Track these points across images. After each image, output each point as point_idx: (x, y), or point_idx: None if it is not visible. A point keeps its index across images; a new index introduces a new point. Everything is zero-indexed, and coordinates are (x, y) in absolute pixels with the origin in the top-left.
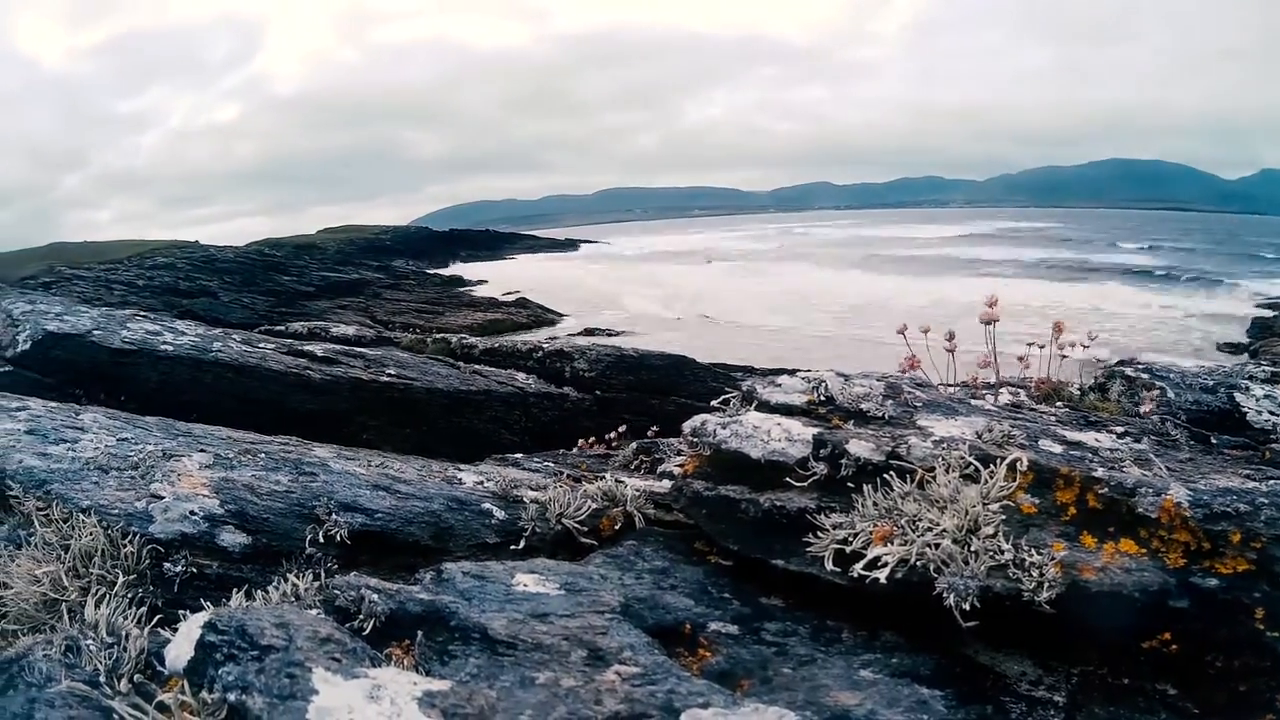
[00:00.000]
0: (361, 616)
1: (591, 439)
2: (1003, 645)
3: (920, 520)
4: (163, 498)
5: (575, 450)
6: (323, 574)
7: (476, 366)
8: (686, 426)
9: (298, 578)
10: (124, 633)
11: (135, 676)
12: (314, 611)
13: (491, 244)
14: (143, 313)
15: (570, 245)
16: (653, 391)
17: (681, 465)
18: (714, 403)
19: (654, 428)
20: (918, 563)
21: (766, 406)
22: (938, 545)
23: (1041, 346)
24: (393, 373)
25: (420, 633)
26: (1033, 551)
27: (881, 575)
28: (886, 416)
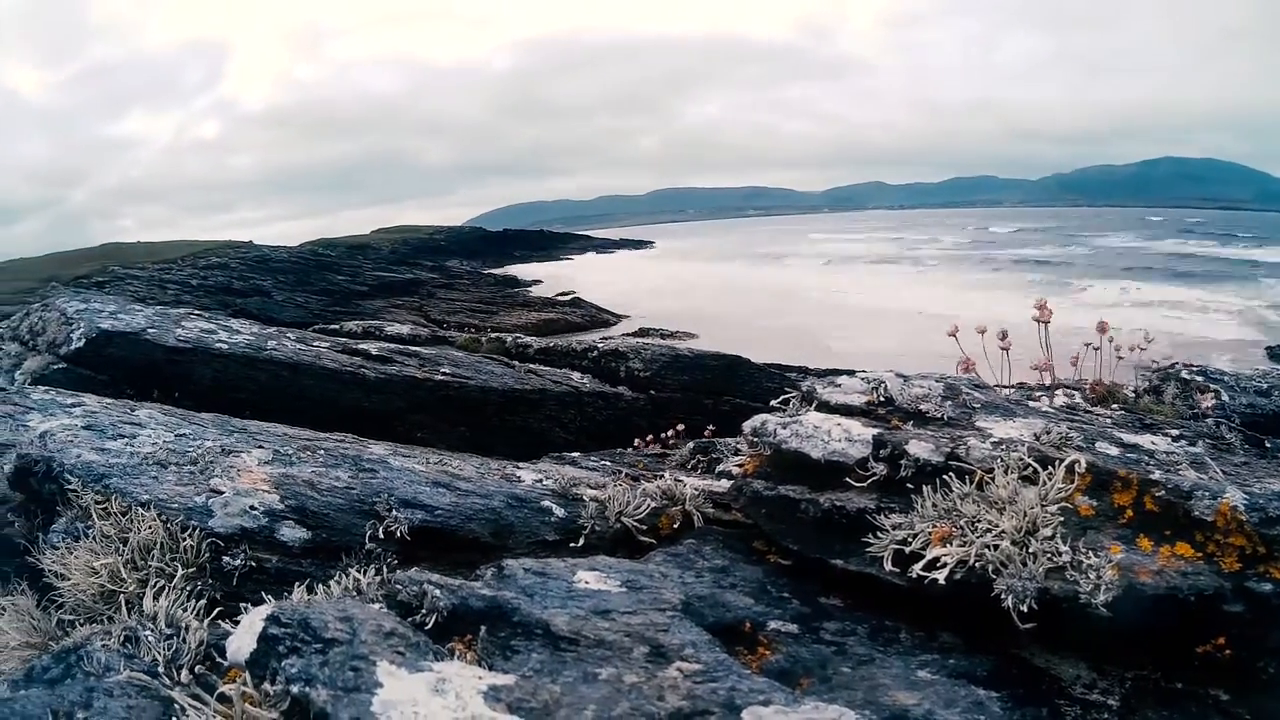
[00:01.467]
0: (424, 611)
1: (648, 438)
2: (1058, 648)
3: (979, 521)
4: (222, 493)
5: (632, 449)
6: (384, 569)
7: (532, 366)
8: (747, 426)
9: (359, 572)
10: (183, 624)
11: (196, 668)
12: (376, 606)
13: (546, 244)
14: (197, 311)
15: (625, 245)
16: (707, 392)
17: (740, 465)
18: (774, 402)
19: (710, 427)
20: (976, 564)
21: (826, 407)
22: (996, 547)
23: (1096, 348)
24: (447, 371)
25: (483, 628)
26: (1090, 554)
27: (940, 576)
28: (945, 417)
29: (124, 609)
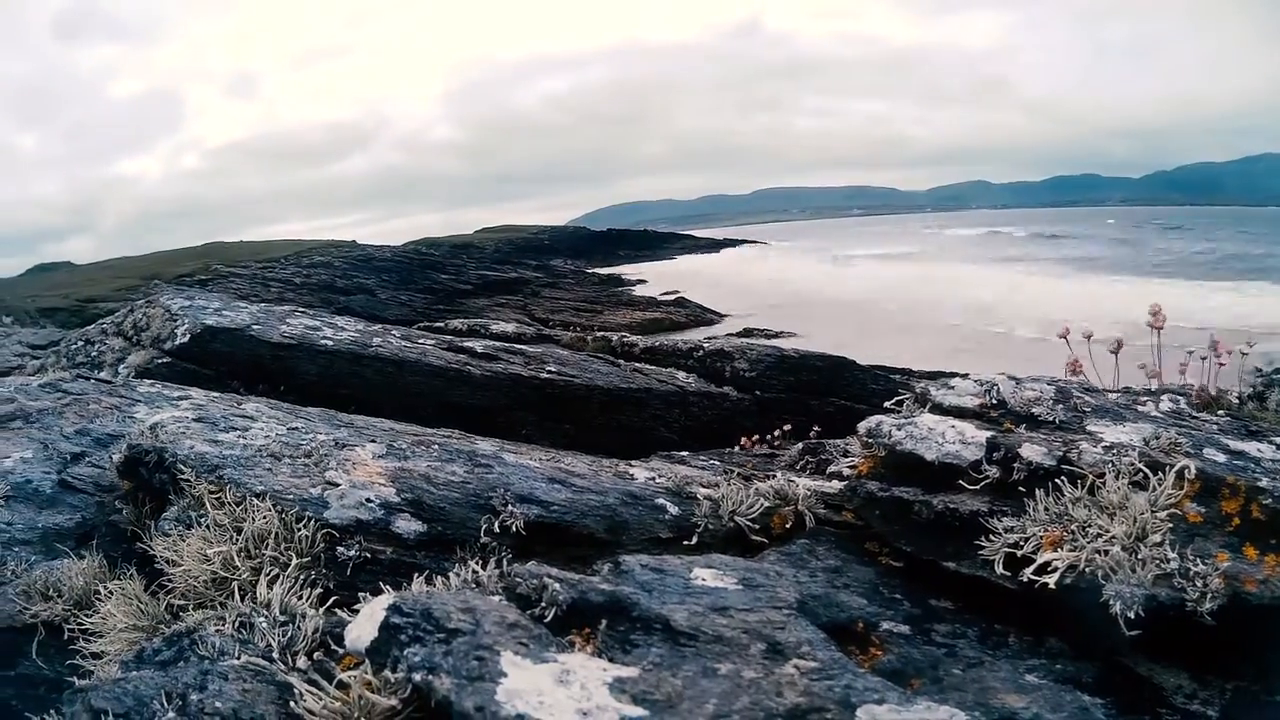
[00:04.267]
0: (543, 604)
1: (754, 438)
2: (1159, 656)
3: (1090, 526)
4: (338, 485)
5: (738, 449)
6: (504, 562)
7: (637, 365)
8: (861, 427)
9: (479, 565)
10: (298, 612)
11: (313, 654)
12: (496, 598)
13: (650, 243)
14: (301, 309)
15: (729, 244)
16: (812, 392)
17: (853, 466)
18: (887, 404)
19: (815, 428)
20: (1086, 569)
21: (939, 409)
22: (1107, 552)
23: (1204, 358)
24: (553, 370)
25: (604, 621)
26: (1198, 561)
27: (1051, 580)
28: (1057, 421)
29: (237, 596)
